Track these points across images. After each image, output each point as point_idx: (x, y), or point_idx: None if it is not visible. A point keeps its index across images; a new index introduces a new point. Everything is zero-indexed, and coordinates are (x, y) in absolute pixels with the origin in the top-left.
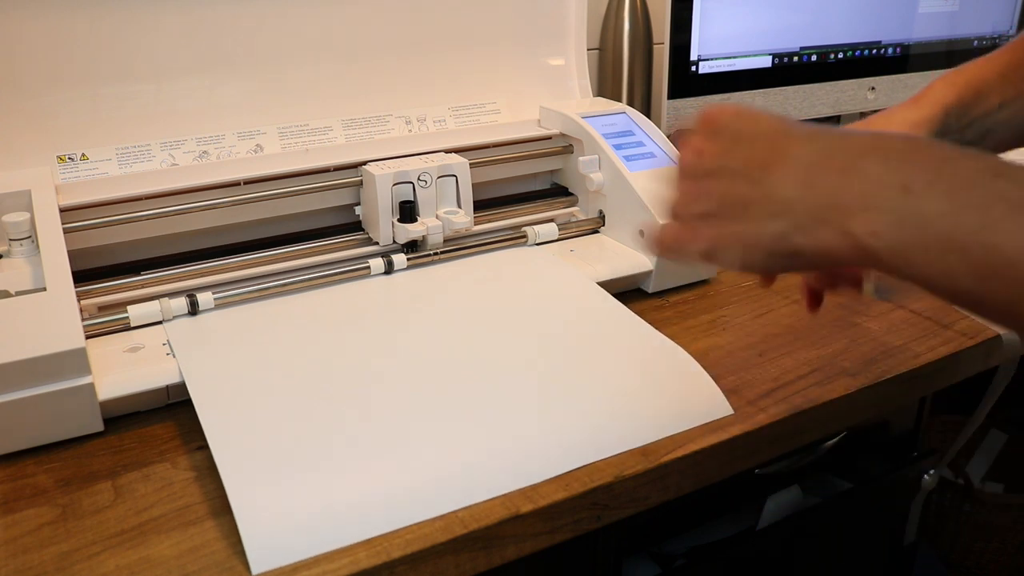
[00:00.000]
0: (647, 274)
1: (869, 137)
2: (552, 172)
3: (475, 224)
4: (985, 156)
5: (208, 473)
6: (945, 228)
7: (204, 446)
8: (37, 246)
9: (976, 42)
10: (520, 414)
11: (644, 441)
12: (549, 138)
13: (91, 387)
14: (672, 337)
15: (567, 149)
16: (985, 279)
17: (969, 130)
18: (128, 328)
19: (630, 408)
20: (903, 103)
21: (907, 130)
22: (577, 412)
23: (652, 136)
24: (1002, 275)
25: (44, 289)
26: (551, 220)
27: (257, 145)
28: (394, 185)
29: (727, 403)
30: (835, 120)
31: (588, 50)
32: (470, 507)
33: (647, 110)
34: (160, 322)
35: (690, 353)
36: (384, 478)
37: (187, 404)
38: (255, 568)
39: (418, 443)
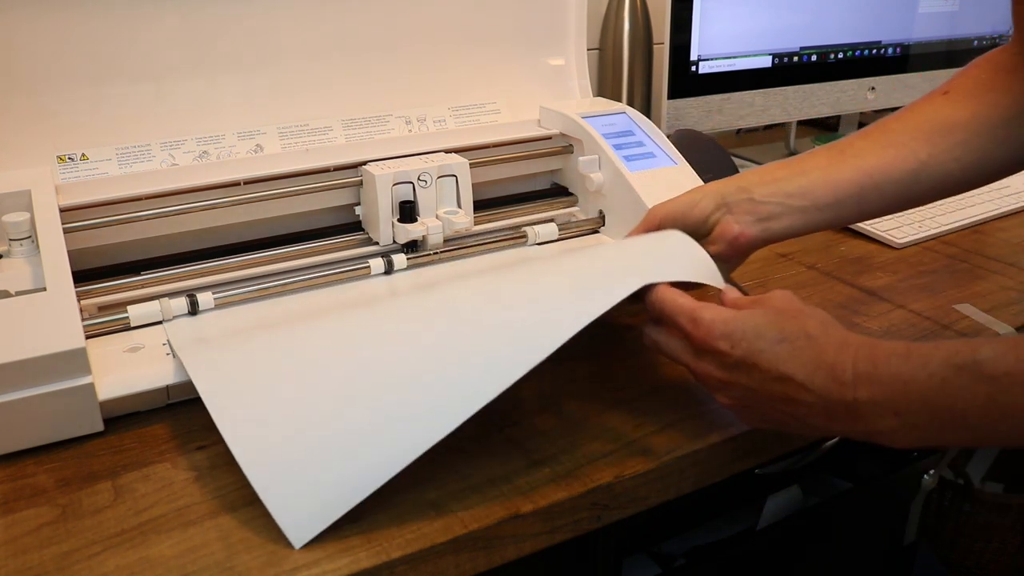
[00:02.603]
0: None
1: (855, 379)
2: (552, 172)
3: (475, 224)
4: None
5: (208, 473)
6: (922, 429)
7: (204, 446)
8: (37, 246)
9: (976, 42)
10: (509, 321)
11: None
12: (549, 138)
13: (91, 387)
14: None
15: (567, 149)
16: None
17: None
18: (128, 328)
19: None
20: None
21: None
22: (569, 293)
23: (652, 136)
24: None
25: (44, 289)
26: (551, 220)
27: (257, 145)
28: (394, 185)
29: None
30: (835, 120)
31: (588, 50)
32: (470, 507)
33: (647, 110)
34: (160, 322)
35: None
36: (394, 418)
37: (187, 404)
38: (296, 543)
39: (419, 379)
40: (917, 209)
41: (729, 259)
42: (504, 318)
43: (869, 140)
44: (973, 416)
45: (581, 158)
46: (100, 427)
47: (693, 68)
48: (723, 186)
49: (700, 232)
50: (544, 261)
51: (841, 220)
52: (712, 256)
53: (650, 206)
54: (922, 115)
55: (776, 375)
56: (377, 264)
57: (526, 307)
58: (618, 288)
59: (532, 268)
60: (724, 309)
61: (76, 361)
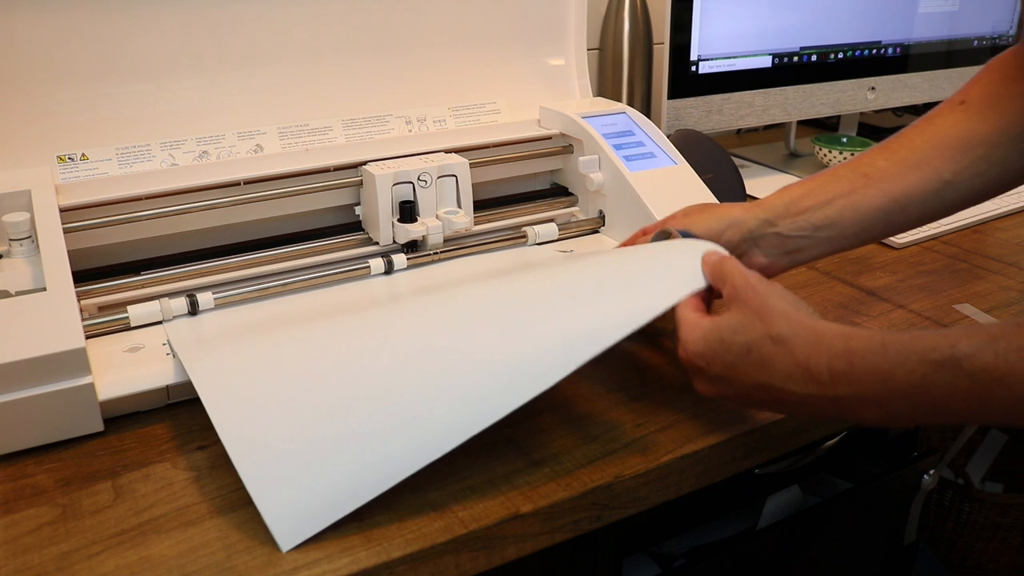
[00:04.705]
0: None
1: (840, 379)
2: (552, 172)
3: (475, 224)
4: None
5: (208, 473)
6: (906, 417)
7: (204, 446)
8: (37, 246)
9: (976, 42)
10: (513, 346)
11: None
12: (549, 138)
13: (91, 387)
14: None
15: (567, 149)
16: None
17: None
18: (128, 328)
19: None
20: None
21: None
22: (569, 316)
23: (652, 136)
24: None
25: (44, 289)
26: (551, 220)
27: (257, 145)
28: (394, 185)
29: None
30: (835, 120)
31: (588, 50)
32: (470, 507)
33: (647, 110)
34: (160, 322)
35: None
36: (395, 429)
37: (187, 404)
38: (284, 546)
39: (423, 391)
40: None
41: None
42: (515, 336)
43: (892, 160)
44: (955, 406)
45: (581, 158)
46: (100, 427)
47: (693, 68)
48: (748, 216)
49: None
50: (552, 270)
51: (865, 242)
52: None
53: (650, 206)
54: (943, 130)
55: (753, 383)
56: (377, 264)
57: (539, 326)
58: (631, 319)
59: (542, 278)
60: (699, 323)
61: (76, 361)
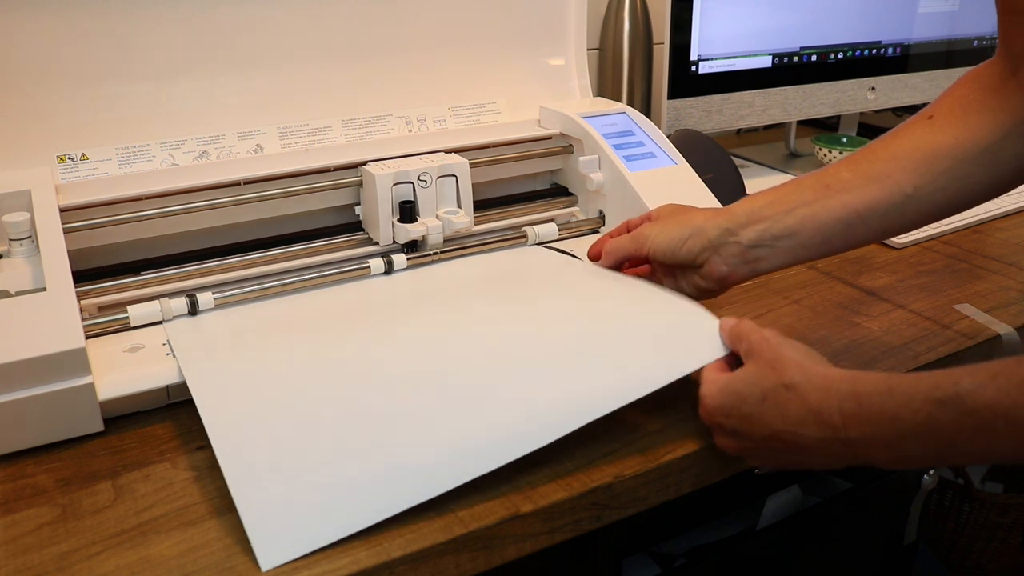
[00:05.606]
0: None
1: (849, 422)
2: (552, 172)
3: (475, 224)
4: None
5: (208, 473)
6: (916, 458)
7: (204, 446)
8: (37, 246)
9: (976, 42)
10: (521, 395)
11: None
12: (549, 138)
13: (91, 387)
14: None
15: (567, 149)
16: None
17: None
18: (128, 328)
19: (635, 356)
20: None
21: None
22: (580, 373)
23: (652, 136)
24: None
25: (44, 289)
26: (551, 220)
27: (257, 145)
28: (394, 185)
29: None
30: (835, 120)
31: (588, 50)
32: (470, 507)
33: (647, 110)
34: (160, 322)
35: None
36: (388, 464)
37: (187, 404)
38: (264, 564)
39: (419, 428)
40: None
41: (717, 293)
42: (526, 387)
43: (855, 172)
44: (963, 444)
45: (581, 158)
46: (100, 427)
47: (693, 68)
48: (709, 225)
49: (689, 267)
50: (566, 308)
51: (828, 253)
52: (702, 289)
53: (650, 206)
54: (908, 143)
55: (768, 433)
56: (377, 264)
57: (546, 384)
58: (653, 382)
59: (557, 318)
60: (716, 380)
61: (76, 361)
